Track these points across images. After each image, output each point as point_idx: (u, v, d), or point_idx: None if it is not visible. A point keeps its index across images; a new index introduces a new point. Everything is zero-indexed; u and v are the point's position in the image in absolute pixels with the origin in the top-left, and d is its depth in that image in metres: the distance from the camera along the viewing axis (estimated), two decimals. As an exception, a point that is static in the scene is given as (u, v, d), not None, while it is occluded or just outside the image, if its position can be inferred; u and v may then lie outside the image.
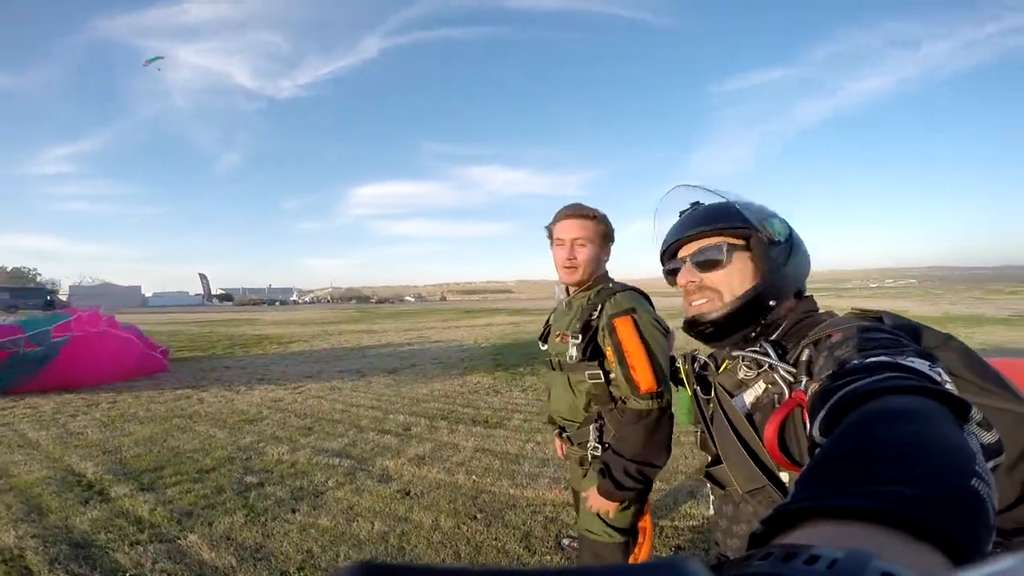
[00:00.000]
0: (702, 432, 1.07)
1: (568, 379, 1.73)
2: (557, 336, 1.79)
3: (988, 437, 0.50)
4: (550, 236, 1.80)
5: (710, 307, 0.95)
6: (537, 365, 9.00)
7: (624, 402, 1.59)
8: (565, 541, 2.77)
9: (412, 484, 3.61)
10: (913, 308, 23.40)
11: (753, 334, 0.94)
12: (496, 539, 2.81)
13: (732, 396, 0.93)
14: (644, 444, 1.51)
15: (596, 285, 1.77)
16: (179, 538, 2.80)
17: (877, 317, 0.77)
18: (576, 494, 2.01)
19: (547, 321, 1.99)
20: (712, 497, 1.08)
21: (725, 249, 0.93)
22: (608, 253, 1.81)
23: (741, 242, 0.92)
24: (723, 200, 1.00)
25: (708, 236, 0.95)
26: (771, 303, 0.91)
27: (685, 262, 0.98)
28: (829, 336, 0.74)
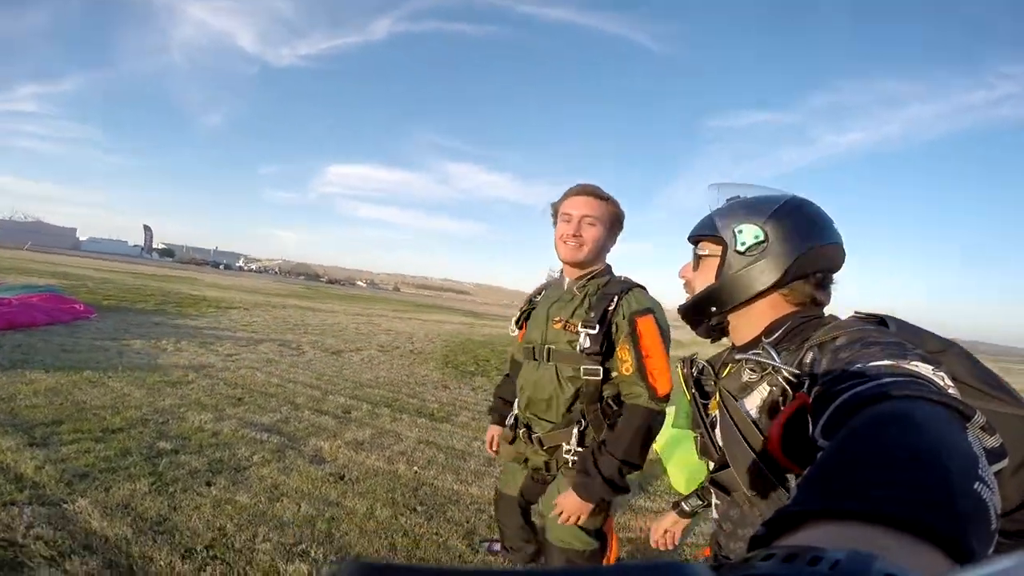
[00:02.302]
0: (702, 437, 1.07)
1: (556, 371, 1.59)
2: (557, 323, 1.62)
3: (991, 441, 0.51)
4: (554, 214, 1.67)
5: (686, 298, 1.06)
6: (489, 369, 8.73)
7: (612, 403, 1.54)
8: (487, 545, 2.54)
9: (347, 468, 3.32)
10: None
11: (756, 337, 0.97)
12: (437, 533, 2.60)
13: (736, 399, 0.92)
14: (640, 445, 1.46)
15: (602, 275, 1.66)
16: (65, 502, 2.40)
17: (881, 320, 0.80)
18: (502, 497, 1.93)
19: (527, 305, 1.83)
20: (716, 502, 1.09)
21: (702, 254, 1.01)
22: (614, 241, 1.70)
23: (718, 248, 0.98)
24: (726, 203, 1.04)
25: (696, 240, 1.04)
26: (712, 308, 0.99)
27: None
28: (834, 339, 0.75)
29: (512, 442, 1.76)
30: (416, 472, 3.42)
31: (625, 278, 1.67)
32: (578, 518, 1.48)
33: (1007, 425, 0.63)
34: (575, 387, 1.55)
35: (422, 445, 4.03)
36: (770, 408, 0.86)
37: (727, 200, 1.04)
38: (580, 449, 1.54)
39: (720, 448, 0.96)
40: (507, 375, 2.00)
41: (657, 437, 1.54)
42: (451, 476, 3.45)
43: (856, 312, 0.86)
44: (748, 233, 0.93)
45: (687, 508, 1.34)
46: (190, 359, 6.15)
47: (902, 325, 0.79)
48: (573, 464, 1.53)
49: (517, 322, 1.83)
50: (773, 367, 0.85)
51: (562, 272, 1.72)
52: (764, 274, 0.92)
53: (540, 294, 1.82)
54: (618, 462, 1.42)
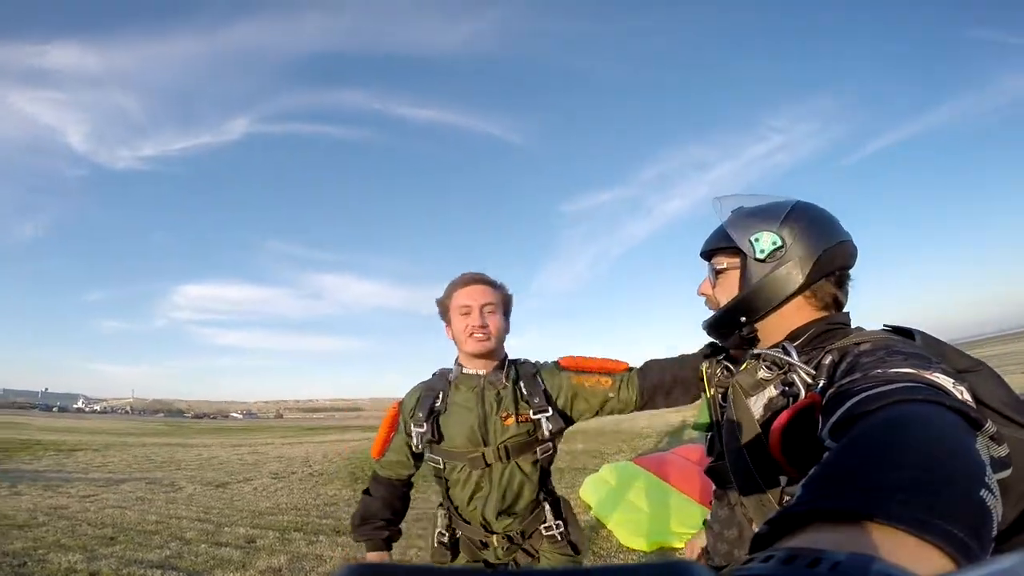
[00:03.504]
0: (711, 436, 1.08)
1: (518, 465, 1.54)
2: (507, 419, 1.53)
3: (999, 451, 0.54)
4: (444, 310, 1.61)
5: (710, 313, 1.05)
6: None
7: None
8: None
9: (272, 596, 2.82)
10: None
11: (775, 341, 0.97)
12: (364, 558, 2.25)
13: (748, 396, 0.92)
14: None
15: (509, 364, 1.63)
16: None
17: (909, 333, 0.81)
18: None
19: (430, 419, 1.58)
20: (713, 501, 1.10)
21: (720, 267, 1.01)
22: (508, 326, 1.65)
23: (736, 259, 0.99)
24: (734, 214, 1.05)
25: (710, 254, 1.04)
26: (742, 319, 0.98)
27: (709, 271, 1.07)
28: (858, 344, 0.76)
29: (447, 554, 1.63)
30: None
31: (523, 359, 1.69)
32: None
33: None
34: (538, 472, 1.56)
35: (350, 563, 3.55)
36: (778, 408, 0.86)
37: (732, 212, 1.05)
38: (559, 521, 1.54)
39: (722, 441, 0.97)
40: (366, 493, 1.75)
41: (591, 495, 1.55)
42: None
43: (885, 325, 0.86)
44: (766, 240, 0.94)
45: None
46: (35, 502, 5.03)
47: (928, 340, 0.79)
48: (561, 537, 1.54)
49: (429, 429, 1.58)
50: (790, 365, 0.85)
51: (460, 367, 1.61)
52: (789, 278, 0.92)
53: (438, 398, 1.61)
54: None
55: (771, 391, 0.88)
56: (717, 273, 1.01)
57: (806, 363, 0.84)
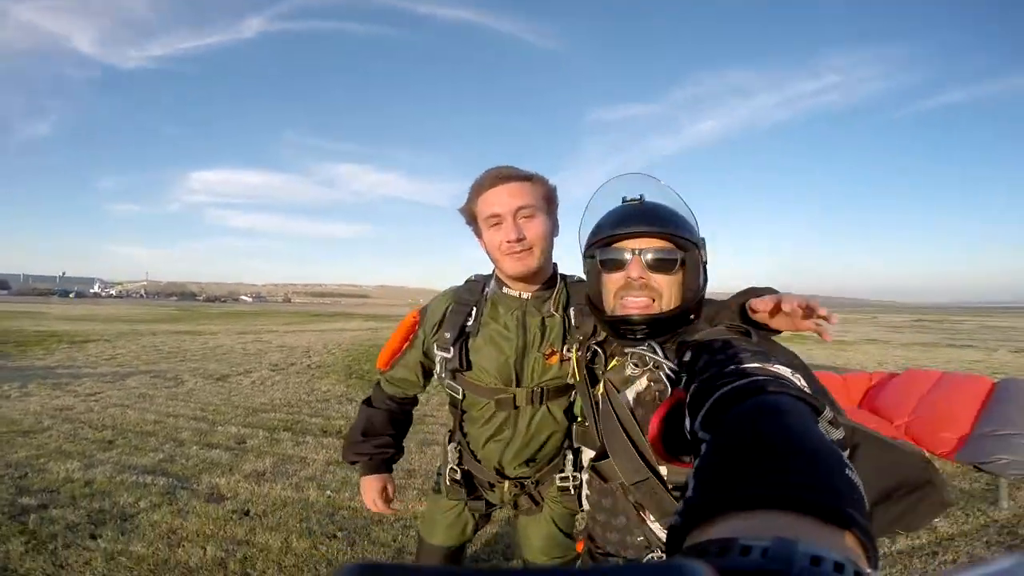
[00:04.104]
0: (586, 424, 1.08)
1: (549, 410, 1.33)
2: (552, 357, 1.30)
3: (836, 434, 0.59)
4: (472, 219, 1.32)
5: (656, 308, 0.92)
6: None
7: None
8: None
9: (252, 503, 3.12)
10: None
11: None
12: (364, 557, 2.53)
13: (619, 392, 0.94)
14: None
15: (561, 282, 1.37)
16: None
17: (745, 331, 0.85)
18: (428, 548, 1.55)
19: (459, 340, 1.33)
20: (587, 493, 1.10)
21: (673, 257, 0.92)
22: (557, 226, 1.34)
23: (684, 253, 0.93)
24: (670, 204, 0.99)
25: (661, 238, 0.92)
26: (692, 316, 0.95)
27: (634, 255, 0.92)
28: (710, 343, 0.80)
29: (468, 496, 1.46)
30: (329, 496, 3.29)
31: (576, 277, 1.40)
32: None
33: None
34: (568, 420, 1.34)
35: (332, 467, 3.87)
36: (648, 402, 0.89)
37: (639, 196, 0.98)
38: (576, 473, 1.34)
39: (601, 437, 0.98)
40: (368, 404, 1.57)
41: None
42: (368, 495, 3.34)
43: (726, 322, 0.90)
44: (705, 247, 0.97)
45: None
46: (42, 404, 5.36)
47: (760, 336, 0.86)
48: (575, 490, 1.33)
49: (457, 354, 1.34)
50: (655, 362, 0.88)
51: (500, 284, 1.36)
52: (707, 270, 0.98)
53: (470, 316, 1.37)
54: None
55: (639, 386, 0.91)
56: (662, 266, 0.92)
57: (667, 358, 0.88)
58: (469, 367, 1.33)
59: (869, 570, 0.30)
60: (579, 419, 1.22)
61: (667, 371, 0.85)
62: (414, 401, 1.57)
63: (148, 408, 5.48)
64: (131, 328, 16.59)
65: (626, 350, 0.94)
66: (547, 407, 1.32)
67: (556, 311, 1.32)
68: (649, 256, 0.91)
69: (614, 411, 0.93)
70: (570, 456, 1.36)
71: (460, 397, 1.37)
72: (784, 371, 0.64)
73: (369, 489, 1.50)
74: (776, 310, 0.91)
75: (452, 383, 1.36)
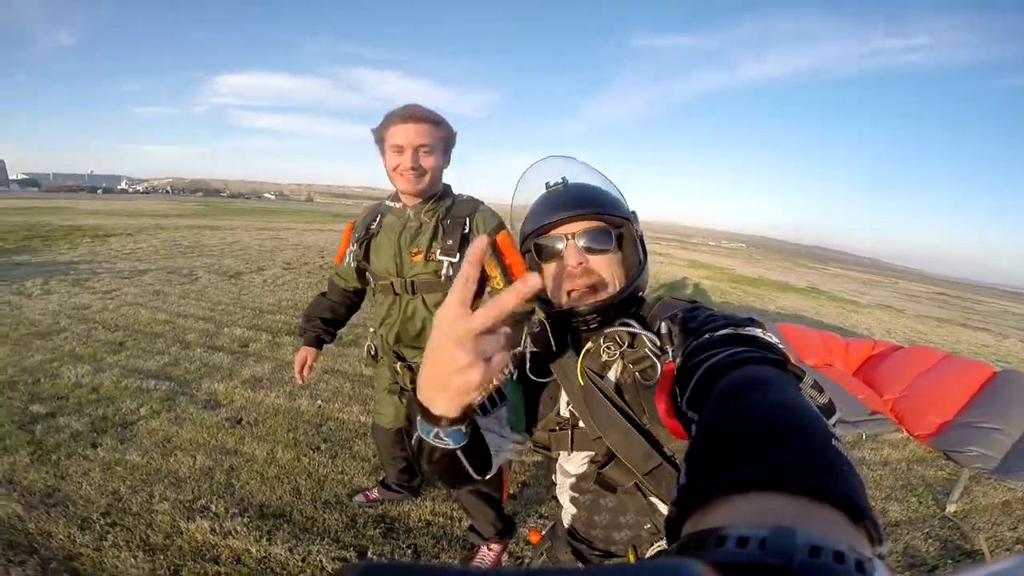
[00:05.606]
0: (551, 432, 0.92)
1: (424, 301, 1.68)
2: (416, 255, 1.66)
3: (821, 399, 0.58)
4: (379, 141, 1.62)
5: (604, 294, 0.86)
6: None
7: None
8: (359, 498, 2.44)
9: (244, 411, 3.33)
10: (738, 268, 25.69)
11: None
12: (342, 472, 2.71)
13: (602, 378, 0.86)
14: None
15: (444, 197, 1.71)
16: (-71, 489, 2.29)
17: (693, 302, 0.84)
18: (378, 430, 2.08)
19: (363, 240, 1.75)
20: (574, 495, 0.96)
21: (613, 235, 0.89)
22: (449, 160, 1.69)
23: (618, 230, 0.90)
24: (594, 183, 0.93)
25: (592, 219, 0.88)
26: (640, 293, 0.91)
27: (568, 240, 0.86)
28: (675, 314, 0.79)
29: (373, 366, 1.95)
30: (320, 407, 3.48)
31: (468, 196, 1.75)
32: None
33: None
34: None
35: (327, 376, 4.05)
36: (629, 385, 0.84)
37: (562, 179, 0.92)
38: None
39: (596, 432, 0.85)
40: (323, 294, 2.04)
41: None
42: (357, 407, 3.50)
43: (670, 295, 0.90)
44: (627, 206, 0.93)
45: None
46: (61, 302, 5.62)
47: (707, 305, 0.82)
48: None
49: (360, 249, 1.76)
50: (633, 336, 0.83)
51: (396, 197, 1.72)
52: (644, 243, 0.93)
53: (375, 221, 1.75)
54: None
55: (616, 370, 0.87)
56: (598, 248, 0.87)
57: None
58: (368, 260, 1.75)
59: (870, 551, 0.29)
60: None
61: (650, 346, 0.81)
62: (360, 293, 2.01)
63: (160, 307, 5.72)
64: (154, 223, 16.90)
65: (607, 331, 0.85)
66: (422, 298, 1.68)
67: (429, 220, 1.66)
68: (583, 240, 0.87)
69: (607, 398, 0.84)
70: None
71: (373, 287, 1.79)
72: (757, 331, 0.63)
73: (298, 358, 2.02)
74: None
75: (368, 275, 1.79)
